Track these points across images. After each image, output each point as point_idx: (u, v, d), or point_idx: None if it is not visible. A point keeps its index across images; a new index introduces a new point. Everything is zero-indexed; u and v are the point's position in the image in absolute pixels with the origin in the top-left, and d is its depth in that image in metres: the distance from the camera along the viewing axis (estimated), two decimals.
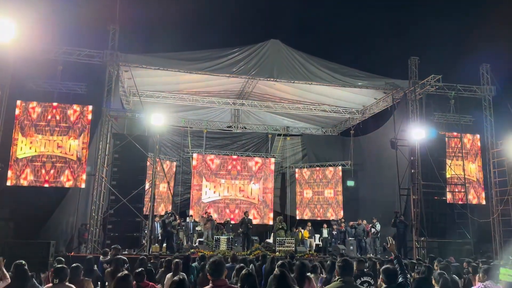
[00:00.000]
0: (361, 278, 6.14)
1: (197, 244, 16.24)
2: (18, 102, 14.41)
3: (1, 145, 13.66)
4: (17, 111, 14.33)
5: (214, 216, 19.47)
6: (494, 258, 15.16)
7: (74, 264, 6.01)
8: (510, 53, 19.58)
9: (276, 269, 4.94)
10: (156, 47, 18.29)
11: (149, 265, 8.39)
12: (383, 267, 4.72)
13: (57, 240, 12.63)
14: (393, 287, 4.38)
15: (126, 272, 4.83)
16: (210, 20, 29.47)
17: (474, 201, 17.40)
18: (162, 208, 20.08)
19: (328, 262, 6.50)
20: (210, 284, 4.20)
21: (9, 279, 5.61)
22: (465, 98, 17.98)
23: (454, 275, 7.20)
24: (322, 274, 7.43)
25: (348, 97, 19.84)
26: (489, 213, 17.22)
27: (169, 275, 7.19)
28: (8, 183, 13.88)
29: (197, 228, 17.74)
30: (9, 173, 13.92)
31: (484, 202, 17.57)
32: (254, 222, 18.96)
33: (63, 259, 8.06)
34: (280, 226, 16.83)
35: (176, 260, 7.45)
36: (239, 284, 4.81)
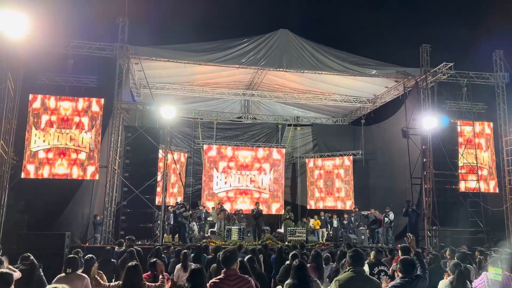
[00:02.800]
0: (379, 267, 6.24)
1: (209, 234, 16.39)
2: (31, 96, 14.59)
3: (15, 139, 13.87)
4: (29, 105, 14.52)
5: (225, 206, 19.57)
6: (508, 247, 15.09)
7: (88, 256, 6.12)
8: None
9: (295, 260, 5.00)
10: (165, 39, 18.23)
11: (163, 256, 8.51)
12: (401, 257, 4.71)
13: (72, 232, 12.86)
14: (410, 278, 4.34)
15: (135, 262, 4.93)
16: (219, 10, 29.32)
17: (487, 190, 17.25)
18: (174, 199, 20.26)
19: (339, 252, 6.52)
20: (222, 274, 4.28)
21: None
22: (477, 86, 17.76)
23: (468, 265, 7.19)
24: (333, 264, 7.48)
25: (359, 86, 19.69)
26: (502, 201, 17.07)
27: (178, 266, 7.29)
28: (23, 176, 14.11)
29: (208, 219, 17.90)
30: (24, 166, 14.14)
31: (497, 191, 17.43)
32: (265, 212, 19.07)
33: (80, 250, 8.22)
34: (287, 216, 16.94)
35: (185, 251, 7.53)
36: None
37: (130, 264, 4.70)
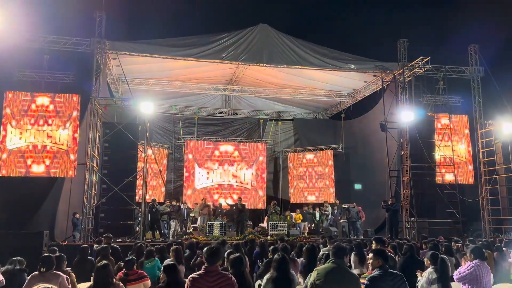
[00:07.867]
0: None
1: (191, 230, 16.36)
2: (6, 92, 14.24)
3: None
4: (5, 102, 14.18)
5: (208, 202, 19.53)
6: (483, 237, 15.53)
7: (57, 254, 6.07)
8: (498, 33, 19.66)
9: (276, 253, 5.02)
10: (143, 34, 18.12)
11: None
12: (373, 249, 4.76)
13: (50, 230, 12.69)
14: (387, 270, 4.36)
15: (105, 261, 4.94)
16: (198, 4, 29.11)
17: (463, 181, 17.64)
18: (155, 196, 20.11)
19: (307, 245, 6.47)
20: (202, 270, 4.29)
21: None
22: (453, 79, 18.09)
23: (443, 255, 7.35)
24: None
25: (338, 81, 19.84)
26: (478, 192, 17.50)
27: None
28: None
29: (191, 214, 17.86)
30: (0, 164, 13.83)
31: (472, 182, 17.83)
32: (247, 207, 19.09)
33: (57, 249, 8.14)
34: (274, 211, 17.02)
35: (176, 246, 7.52)
36: (229, 268, 4.93)
37: (99, 264, 4.70)
